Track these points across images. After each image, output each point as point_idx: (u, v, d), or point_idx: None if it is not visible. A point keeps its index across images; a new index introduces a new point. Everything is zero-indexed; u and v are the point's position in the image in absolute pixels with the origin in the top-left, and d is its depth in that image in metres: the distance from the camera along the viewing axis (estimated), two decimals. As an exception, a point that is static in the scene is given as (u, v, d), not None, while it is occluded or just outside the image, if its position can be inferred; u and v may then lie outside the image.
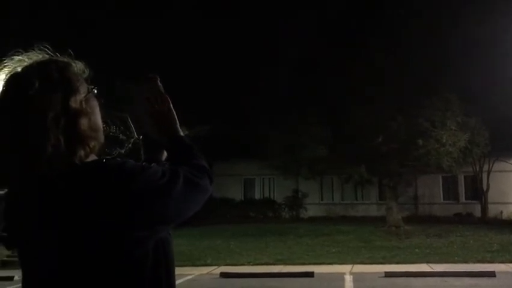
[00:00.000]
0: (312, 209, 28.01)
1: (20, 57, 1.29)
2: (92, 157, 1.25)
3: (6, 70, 1.28)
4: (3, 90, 1.24)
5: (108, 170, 1.18)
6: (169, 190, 1.21)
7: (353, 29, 19.73)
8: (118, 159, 1.23)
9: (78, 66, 1.33)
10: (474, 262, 12.55)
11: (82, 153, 1.20)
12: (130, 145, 1.56)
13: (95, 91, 1.33)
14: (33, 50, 1.31)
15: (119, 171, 1.17)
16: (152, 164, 1.27)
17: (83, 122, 1.23)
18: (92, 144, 1.24)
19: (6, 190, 1.24)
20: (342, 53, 19.22)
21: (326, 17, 20.31)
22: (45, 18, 19.24)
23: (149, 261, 1.20)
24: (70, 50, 1.36)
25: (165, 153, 1.53)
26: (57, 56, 1.33)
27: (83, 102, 1.26)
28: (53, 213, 1.15)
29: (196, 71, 22.92)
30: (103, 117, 1.35)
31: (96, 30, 20.72)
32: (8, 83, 1.25)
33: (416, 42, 19.02)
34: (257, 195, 30.00)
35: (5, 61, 1.29)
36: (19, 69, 1.27)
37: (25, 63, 1.28)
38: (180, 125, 1.50)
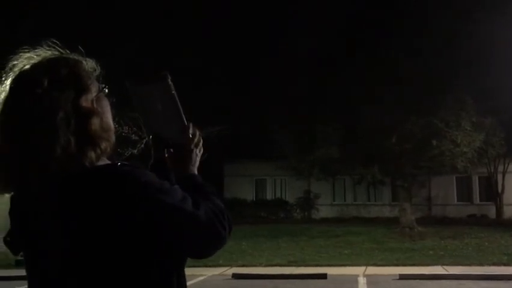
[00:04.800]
0: (324, 210, 27.88)
1: (28, 55, 1.24)
2: (104, 160, 1.19)
3: (14, 68, 1.23)
4: (11, 88, 1.20)
5: (121, 178, 1.11)
6: (185, 217, 1.12)
7: (366, 29, 19.59)
8: (135, 166, 1.15)
9: (89, 64, 1.28)
10: (490, 265, 12.35)
11: (92, 154, 1.14)
12: (142, 145, 1.51)
13: (107, 90, 1.28)
14: (42, 46, 1.26)
15: (133, 181, 1.10)
16: (175, 186, 1.18)
17: (95, 122, 1.17)
18: (103, 145, 1.18)
19: (12, 193, 1.19)
20: (356, 52, 19.09)
21: (339, 16, 20.18)
22: (52, 17, 19.34)
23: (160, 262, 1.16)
24: (80, 47, 1.30)
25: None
26: (67, 53, 1.27)
27: (94, 102, 1.22)
28: (62, 216, 1.11)
29: (208, 71, 22.94)
30: (113, 117, 1.29)
31: (104, 29, 20.81)
32: (16, 81, 1.20)
33: (430, 42, 18.84)
34: (269, 196, 29.95)
35: (13, 59, 1.24)
36: (27, 66, 1.22)
37: (34, 61, 1.23)
38: (193, 126, 1.44)
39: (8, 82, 1.21)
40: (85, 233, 1.09)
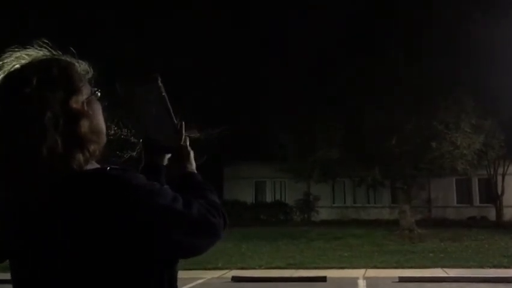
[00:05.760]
0: (323, 212, 27.83)
1: (18, 54, 1.21)
2: (93, 164, 1.16)
3: (3, 67, 1.20)
4: (0, 87, 1.16)
5: (111, 182, 1.08)
6: (178, 217, 1.11)
7: (368, 30, 19.57)
8: (125, 169, 1.12)
9: (81, 66, 1.25)
10: (490, 267, 12.33)
11: (80, 157, 1.11)
12: (140, 148, 1.50)
13: (99, 94, 1.25)
14: (33, 46, 1.23)
15: (124, 185, 1.07)
16: (165, 186, 1.17)
17: (84, 124, 1.14)
18: (92, 148, 1.15)
19: None
20: (356, 53, 19.07)
21: (340, 18, 20.16)
22: (48, 18, 19.30)
23: (154, 268, 1.14)
24: (72, 49, 1.28)
25: (166, 158, 1.46)
26: (59, 54, 1.24)
27: (85, 104, 1.18)
28: (48, 223, 1.07)
29: (207, 72, 22.89)
30: (106, 121, 1.26)
31: (102, 30, 20.77)
32: (4, 80, 1.17)
33: (431, 43, 18.81)
34: (268, 198, 29.90)
35: (2, 58, 1.21)
36: (17, 66, 1.19)
37: (24, 61, 1.20)
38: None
39: None
40: (71, 238, 1.06)
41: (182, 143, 1.40)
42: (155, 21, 23.07)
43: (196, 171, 1.40)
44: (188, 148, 1.42)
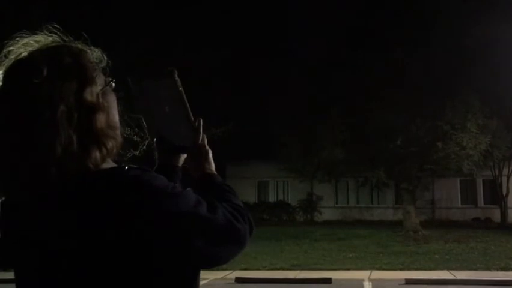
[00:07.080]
0: (326, 213, 27.72)
1: (26, 40, 1.10)
2: (109, 163, 1.04)
3: (10, 55, 1.08)
4: (6, 78, 1.05)
5: (131, 182, 0.97)
6: (202, 223, 1.00)
7: (373, 30, 19.47)
8: (144, 169, 1.01)
9: (94, 54, 1.14)
10: (497, 269, 12.17)
11: (97, 154, 1.00)
12: (144, 147, 1.38)
13: (113, 84, 1.13)
14: (42, 32, 1.11)
15: (144, 186, 0.96)
16: (188, 189, 1.06)
17: (100, 118, 1.03)
18: (109, 144, 1.03)
19: (2, 199, 1.03)
20: (361, 53, 18.97)
21: (345, 17, 20.09)
22: (48, 19, 19.22)
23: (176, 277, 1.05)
24: (85, 34, 1.16)
25: (182, 158, 1.35)
26: (70, 40, 1.13)
27: (100, 95, 1.07)
28: (63, 224, 0.96)
29: (210, 71, 22.81)
30: (121, 114, 1.14)
31: (106, 27, 20.70)
32: (12, 69, 1.06)
33: (437, 43, 18.71)
34: (271, 198, 29.81)
35: (9, 44, 1.09)
36: (25, 54, 1.07)
37: (32, 48, 1.08)
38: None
39: (2, 70, 1.06)
40: (89, 242, 0.95)
41: (200, 142, 1.30)
42: (158, 20, 23.01)
43: (215, 172, 1.29)
44: (207, 147, 1.31)
